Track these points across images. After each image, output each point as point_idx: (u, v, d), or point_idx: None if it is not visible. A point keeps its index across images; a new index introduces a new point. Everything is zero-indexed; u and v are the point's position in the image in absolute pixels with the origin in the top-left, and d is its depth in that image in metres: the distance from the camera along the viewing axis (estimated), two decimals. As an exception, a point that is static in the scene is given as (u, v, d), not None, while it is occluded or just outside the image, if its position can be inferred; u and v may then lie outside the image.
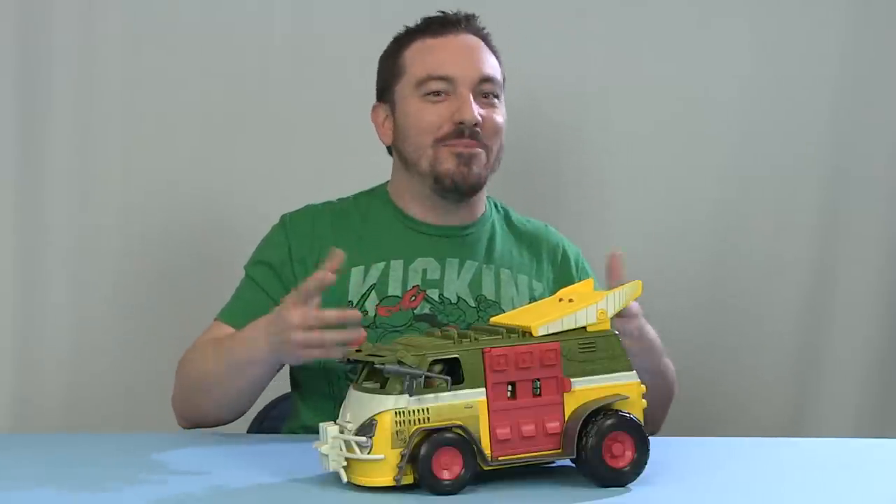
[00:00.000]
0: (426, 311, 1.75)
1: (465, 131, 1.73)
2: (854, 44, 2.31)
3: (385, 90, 1.82)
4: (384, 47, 1.85)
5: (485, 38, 1.81)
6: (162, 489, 1.34)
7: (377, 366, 1.30)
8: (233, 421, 1.75)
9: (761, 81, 2.32)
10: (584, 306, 1.37)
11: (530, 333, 1.34)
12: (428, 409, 1.29)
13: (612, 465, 1.33)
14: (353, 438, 1.29)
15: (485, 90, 1.76)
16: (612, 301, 1.39)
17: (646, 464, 1.34)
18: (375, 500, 1.28)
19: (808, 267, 2.34)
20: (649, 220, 2.32)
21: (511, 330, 1.36)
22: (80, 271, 2.20)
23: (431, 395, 1.30)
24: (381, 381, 1.32)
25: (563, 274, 1.85)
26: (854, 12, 2.31)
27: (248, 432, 1.93)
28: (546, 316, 1.36)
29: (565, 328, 1.36)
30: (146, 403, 2.17)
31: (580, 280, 1.78)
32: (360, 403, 1.31)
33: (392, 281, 1.76)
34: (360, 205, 1.83)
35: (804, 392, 2.34)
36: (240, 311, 1.75)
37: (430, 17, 1.81)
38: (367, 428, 1.29)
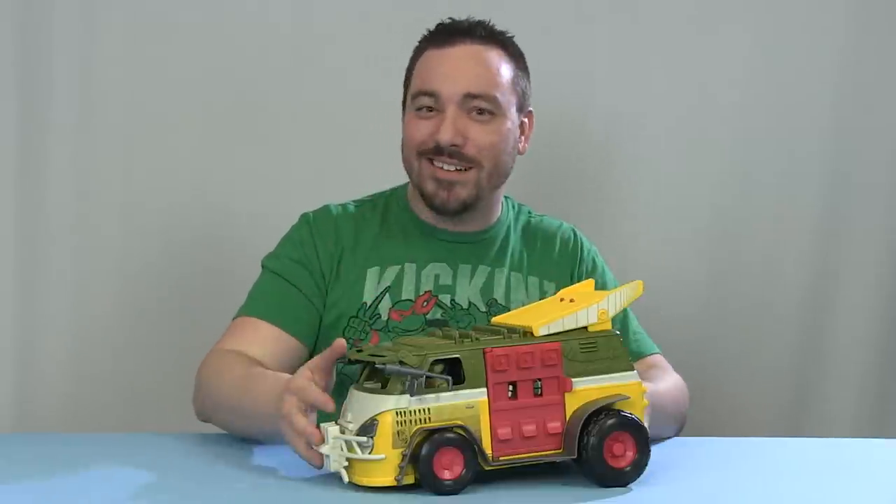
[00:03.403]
0: (438, 316, 1.73)
1: (444, 150, 1.71)
2: (854, 50, 2.31)
3: (404, 97, 1.81)
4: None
5: (502, 44, 1.75)
6: (162, 489, 1.34)
7: (378, 366, 1.30)
8: None
9: (764, 87, 2.31)
10: (585, 306, 1.37)
11: (531, 333, 1.35)
12: (429, 409, 1.30)
13: (613, 465, 1.33)
14: (354, 438, 1.30)
15: (472, 106, 1.71)
16: (613, 301, 1.39)
17: (647, 464, 1.35)
18: (377, 500, 1.28)
19: (809, 269, 2.33)
20: (653, 224, 2.31)
21: (512, 330, 1.36)
22: (80, 271, 2.19)
23: (432, 395, 1.30)
24: (382, 381, 1.32)
25: (578, 269, 1.83)
26: (854, 17, 2.31)
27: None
28: (547, 316, 1.36)
29: (566, 328, 1.36)
30: (146, 404, 2.18)
31: (595, 275, 1.78)
32: (361, 403, 1.31)
33: (406, 284, 1.74)
34: (379, 206, 1.82)
35: (804, 392, 2.34)
36: (273, 305, 1.71)
37: (440, 25, 1.77)
38: (368, 428, 1.29)
